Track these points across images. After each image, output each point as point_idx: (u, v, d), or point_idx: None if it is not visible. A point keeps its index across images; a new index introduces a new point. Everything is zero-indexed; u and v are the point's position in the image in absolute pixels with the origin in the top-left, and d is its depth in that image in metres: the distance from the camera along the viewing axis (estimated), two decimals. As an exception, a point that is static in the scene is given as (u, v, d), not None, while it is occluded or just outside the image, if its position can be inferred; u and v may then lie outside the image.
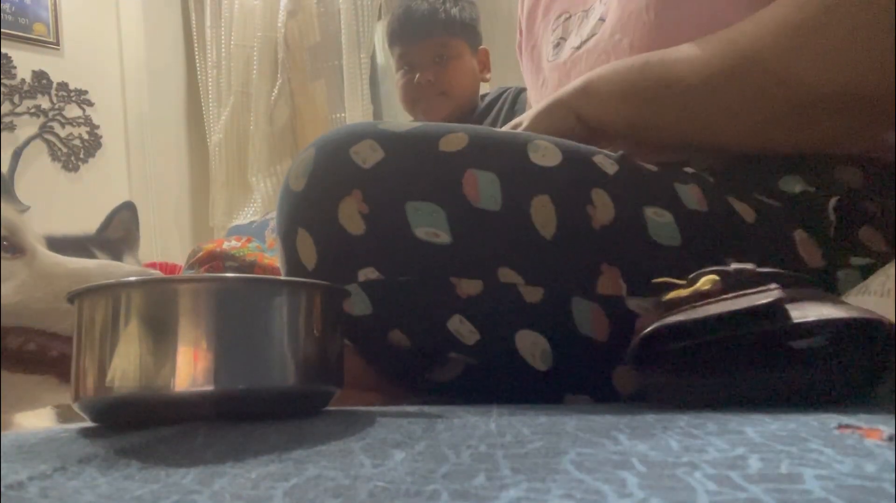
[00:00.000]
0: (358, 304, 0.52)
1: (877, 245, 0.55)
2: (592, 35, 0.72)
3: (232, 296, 0.37)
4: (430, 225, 0.50)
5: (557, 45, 0.80)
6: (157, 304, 0.36)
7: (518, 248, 0.50)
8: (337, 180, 0.52)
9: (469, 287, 0.50)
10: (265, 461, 0.27)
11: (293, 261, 0.54)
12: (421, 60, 1.55)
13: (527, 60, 0.90)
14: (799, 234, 0.54)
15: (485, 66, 1.66)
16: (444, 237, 0.50)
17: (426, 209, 0.50)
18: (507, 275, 0.50)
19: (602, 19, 0.72)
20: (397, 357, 0.54)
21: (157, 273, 0.75)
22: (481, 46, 1.66)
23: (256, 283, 0.40)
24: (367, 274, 0.51)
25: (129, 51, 3.11)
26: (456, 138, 0.53)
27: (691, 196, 0.55)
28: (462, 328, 0.51)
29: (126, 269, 0.75)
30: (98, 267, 0.76)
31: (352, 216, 0.51)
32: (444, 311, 0.51)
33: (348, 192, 0.51)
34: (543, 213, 0.51)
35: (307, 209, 0.53)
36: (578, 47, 0.74)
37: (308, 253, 0.53)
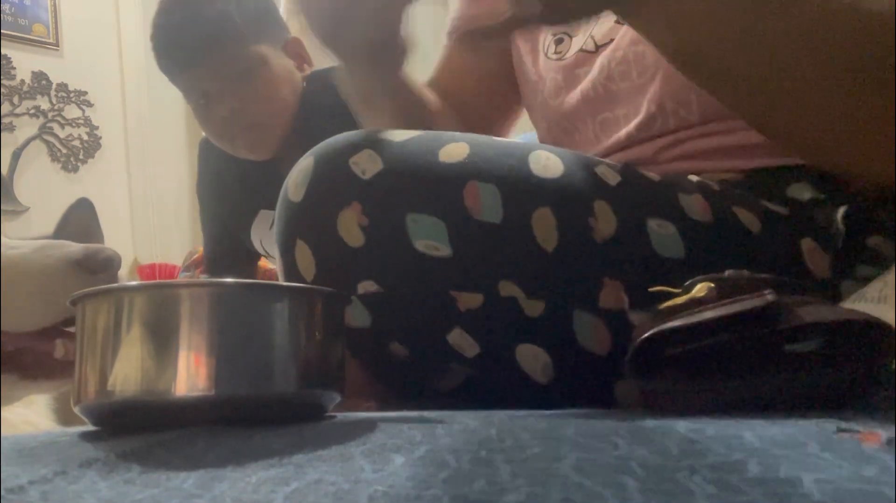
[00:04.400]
0: (357, 317, 0.52)
1: (886, 254, 0.54)
2: (611, 40, 0.68)
3: (234, 302, 0.37)
4: (430, 237, 0.50)
5: (561, 42, 0.75)
6: (159, 309, 0.36)
7: (519, 261, 0.50)
8: (336, 191, 0.51)
9: (469, 300, 0.50)
10: (266, 465, 0.27)
11: (292, 272, 0.53)
12: (213, 89, 1.12)
13: (521, 47, 0.81)
14: (806, 244, 0.54)
15: (302, 58, 1.24)
16: (445, 250, 0.50)
17: (426, 222, 0.50)
18: (507, 288, 0.50)
19: (621, 23, 0.67)
20: (397, 368, 0.54)
21: (107, 249, 0.72)
22: (290, 37, 1.23)
23: (258, 289, 0.40)
24: (367, 287, 0.51)
25: (128, 52, 3.11)
26: (456, 148, 0.53)
27: (695, 206, 0.54)
28: (462, 341, 0.51)
29: (68, 249, 0.70)
30: (35, 251, 0.70)
31: (351, 228, 0.50)
32: (445, 325, 0.51)
33: (347, 204, 0.50)
34: (545, 226, 0.50)
35: (306, 220, 0.52)
36: (594, 51, 0.70)
37: (307, 264, 0.52)
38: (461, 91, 0.84)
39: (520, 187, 0.51)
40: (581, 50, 0.71)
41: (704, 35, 0.51)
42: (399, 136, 0.54)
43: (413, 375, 0.55)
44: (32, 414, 0.80)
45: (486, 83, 0.85)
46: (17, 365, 0.69)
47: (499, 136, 0.80)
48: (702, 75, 0.54)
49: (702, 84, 0.55)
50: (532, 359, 0.51)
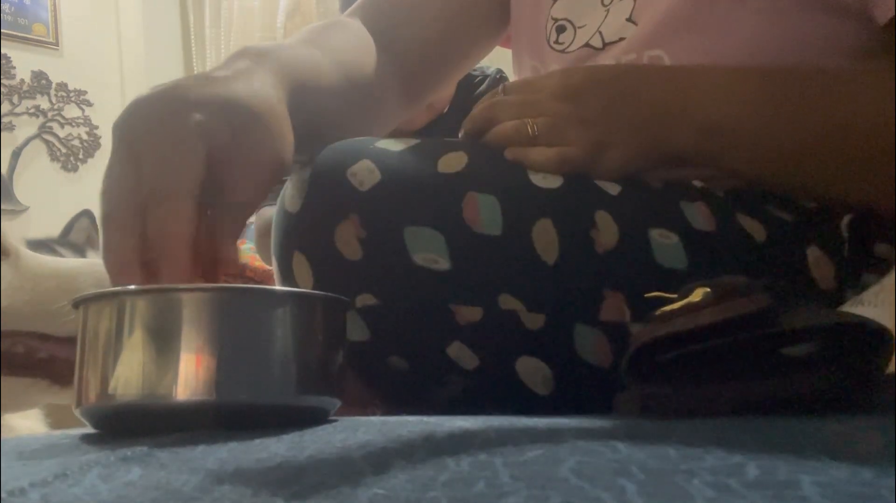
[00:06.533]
0: (355, 330, 0.51)
1: (892, 262, 0.53)
2: (620, 39, 0.63)
3: (235, 306, 0.37)
4: (428, 251, 0.49)
5: (563, 31, 0.69)
6: (161, 313, 0.36)
7: (519, 274, 0.50)
8: (333, 204, 0.50)
9: (469, 314, 0.50)
10: (266, 469, 0.27)
11: (289, 284, 0.53)
12: None
13: (524, 29, 0.74)
14: (812, 252, 0.53)
15: None
16: (444, 263, 0.49)
17: (425, 234, 0.49)
18: (507, 301, 0.49)
19: (634, 22, 0.62)
20: (395, 380, 0.54)
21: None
22: None
23: (259, 294, 0.40)
24: (365, 300, 0.50)
25: (128, 51, 3.11)
26: (455, 157, 0.52)
27: (698, 215, 0.53)
28: (462, 354, 0.51)
29: None
30: (85, 265, 0.77)
31: (349, 241, 0.50)
32: (444, 338, 0.50)
33: (345, 217, 0.50)
34: (545, 238, 0.50)
35: (303, 232, 0.52)
36: (601, 48, 0.64)
37: (304, 276, 0.52)
38: (417, 10, 0.74)
39: (520, 198, 0.51)
40: (587, 45, 0.66)
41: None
42: (397, 145, 0.53)
43: (412, 388, 0.54)
44: (34, 424, 0.83)
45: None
46: (49, 371, 0.74)
47: (453, 77, 0.79)
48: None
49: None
50: (532, 371, 0.50)
